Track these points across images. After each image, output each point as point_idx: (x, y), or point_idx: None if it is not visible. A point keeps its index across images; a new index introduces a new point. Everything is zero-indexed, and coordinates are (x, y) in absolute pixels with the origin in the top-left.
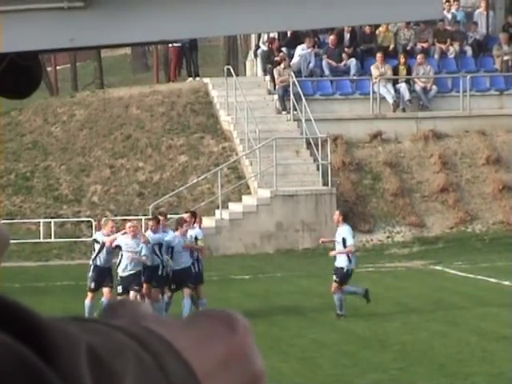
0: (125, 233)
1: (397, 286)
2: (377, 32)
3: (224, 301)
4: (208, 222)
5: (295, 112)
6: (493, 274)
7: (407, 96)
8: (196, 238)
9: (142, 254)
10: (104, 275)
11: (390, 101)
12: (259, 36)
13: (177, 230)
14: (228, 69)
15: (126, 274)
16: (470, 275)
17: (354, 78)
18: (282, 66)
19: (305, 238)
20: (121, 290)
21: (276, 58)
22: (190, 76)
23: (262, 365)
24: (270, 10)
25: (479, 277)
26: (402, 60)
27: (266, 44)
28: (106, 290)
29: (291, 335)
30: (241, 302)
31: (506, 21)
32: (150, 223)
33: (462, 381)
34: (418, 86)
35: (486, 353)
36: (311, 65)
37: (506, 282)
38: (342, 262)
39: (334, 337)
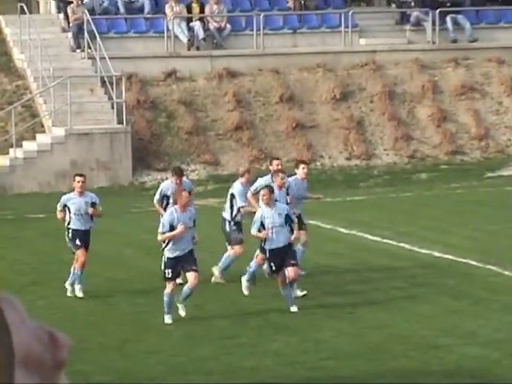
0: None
1: None
2: None
3: (19, 239)
4: (2, 160)
5: (89, 50)
6: None
7: (201, 34)
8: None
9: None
10: None
11: (185, 39)
12: None
13: None
14: (21, 6)
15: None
16: None
17: (149, 16)
18: (75, 3)
19: (100, 177)
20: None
21: None
22: None
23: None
24: None
25: None
26: None
27: None
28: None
29: (86, 274)
30: (36, 240)
31: None
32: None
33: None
34: (212, 25)
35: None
36: (105, 3)
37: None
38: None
39: (130, 275)
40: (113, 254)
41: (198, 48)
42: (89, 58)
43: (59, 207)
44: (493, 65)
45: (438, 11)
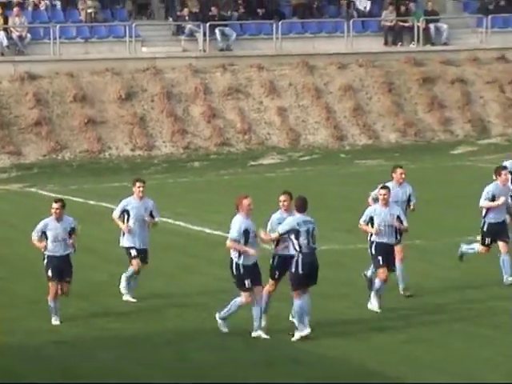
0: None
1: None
2: None
3: None
4: None
5: None
6: (80, 194)
7: (5, 42)
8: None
9: None
10: None
11: None
12: None
13: None
14: None
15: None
16: (64, 196)
17: None
18: None
19: None
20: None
21: None
22: None
23: None
24: None
25: (68, 197)
26: (0, 11)
27: None
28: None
29: None
30: None
31: None
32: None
33: None
34: (15, 34)
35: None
36: None
37: (92, 202)
38: None
39: None
40: None
41: (2, 54)
42: None
43: (36, 236)
44: (254, 70)
45: (208, 24)
